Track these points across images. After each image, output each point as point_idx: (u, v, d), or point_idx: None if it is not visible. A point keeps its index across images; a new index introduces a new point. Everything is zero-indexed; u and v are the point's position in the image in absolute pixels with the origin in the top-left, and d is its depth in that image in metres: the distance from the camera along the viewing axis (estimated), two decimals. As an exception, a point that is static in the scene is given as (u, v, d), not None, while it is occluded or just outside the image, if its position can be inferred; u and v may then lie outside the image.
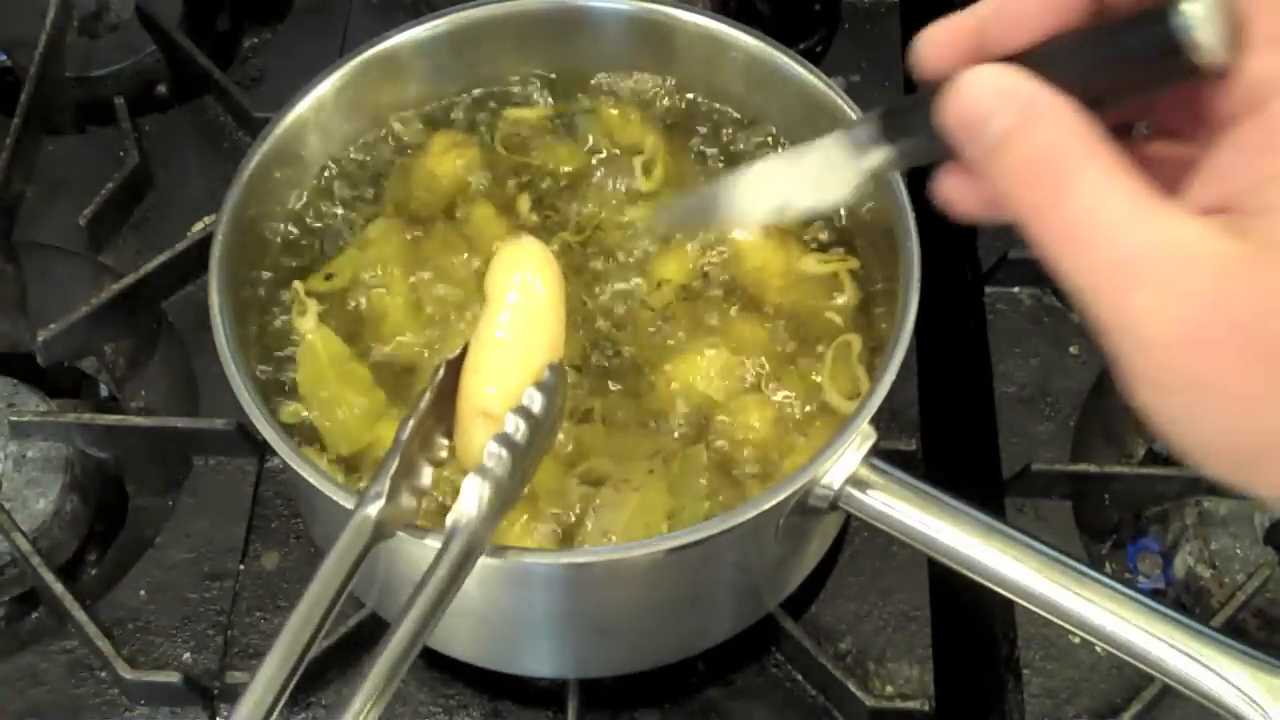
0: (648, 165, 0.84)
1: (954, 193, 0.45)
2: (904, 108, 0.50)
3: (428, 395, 0.63)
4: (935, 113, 0.44)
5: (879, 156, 0.50)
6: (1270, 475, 0.38)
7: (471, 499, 0.58)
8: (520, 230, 0.73)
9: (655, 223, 0.59)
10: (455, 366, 0.64)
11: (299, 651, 0.55)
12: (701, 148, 0.85)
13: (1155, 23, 0.38)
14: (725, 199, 0.58)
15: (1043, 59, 0.42)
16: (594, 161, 0.85)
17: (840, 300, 0.79)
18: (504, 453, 0.59)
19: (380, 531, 0.59)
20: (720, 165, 0.84)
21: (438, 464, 0.63)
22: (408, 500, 0.61)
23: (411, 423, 0.61)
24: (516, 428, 0.60)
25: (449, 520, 0.58)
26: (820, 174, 0.52)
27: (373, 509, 0.59)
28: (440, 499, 0.70)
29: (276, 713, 0.53)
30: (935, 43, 0.44)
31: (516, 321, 0.63)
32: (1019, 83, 0.41)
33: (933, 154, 0.48)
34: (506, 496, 0.60)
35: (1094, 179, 0.39)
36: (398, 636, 0.55)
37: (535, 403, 0.61)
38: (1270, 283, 0.36)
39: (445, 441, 0.64)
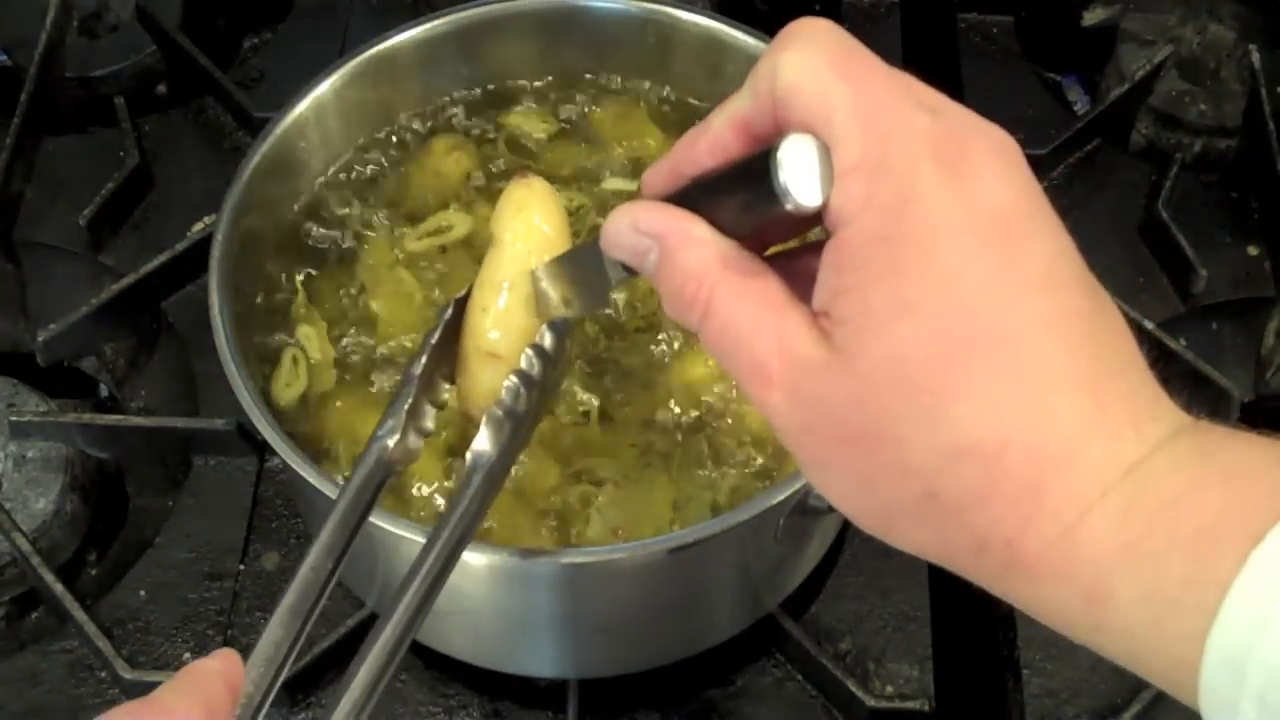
0: (648, 165, 0.84)
1: (671, 316, 0.49)
2: None
3: (436, 332, 0.63)
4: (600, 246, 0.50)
5: (622, 273, 0.51)
6: (899, 534, 0.44)
7: (492, 434, 0.58)
8: (527, 171, 0.74)
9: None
10: (461, 306, 0.64)
11: (319, 585, 0.54)
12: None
13: (758, 171, 0.43)
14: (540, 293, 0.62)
15: (702, 190, 0.47)
16: (593, 161, 0.86)
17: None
18: (522, 389, 0.58)
19: (391, 468, 0.59)
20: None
21: (440, 406, 0.63)
22: (414, 440, 0.60)
23: (422, 359, 0.61)
24: (531, 364, 0.59)
25: (469, 454, 0.58)
26: (587, 281, 0.56)
27: (390, 440, 0.59)
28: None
29: (295, 649, 0.52)
30: (651, 177, 0.51)
31: (522, 263, 0.63)
32: (650, 218, 0.47)
33: None
34: (522, 435, 0.59)
35: (727, 296, 0.45)
36: (425, 569, 0.54)
37: (547, 340, 0.60)
38: (845, 383, 0.42)
39: (448, 385, 0.64)
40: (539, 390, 0.59)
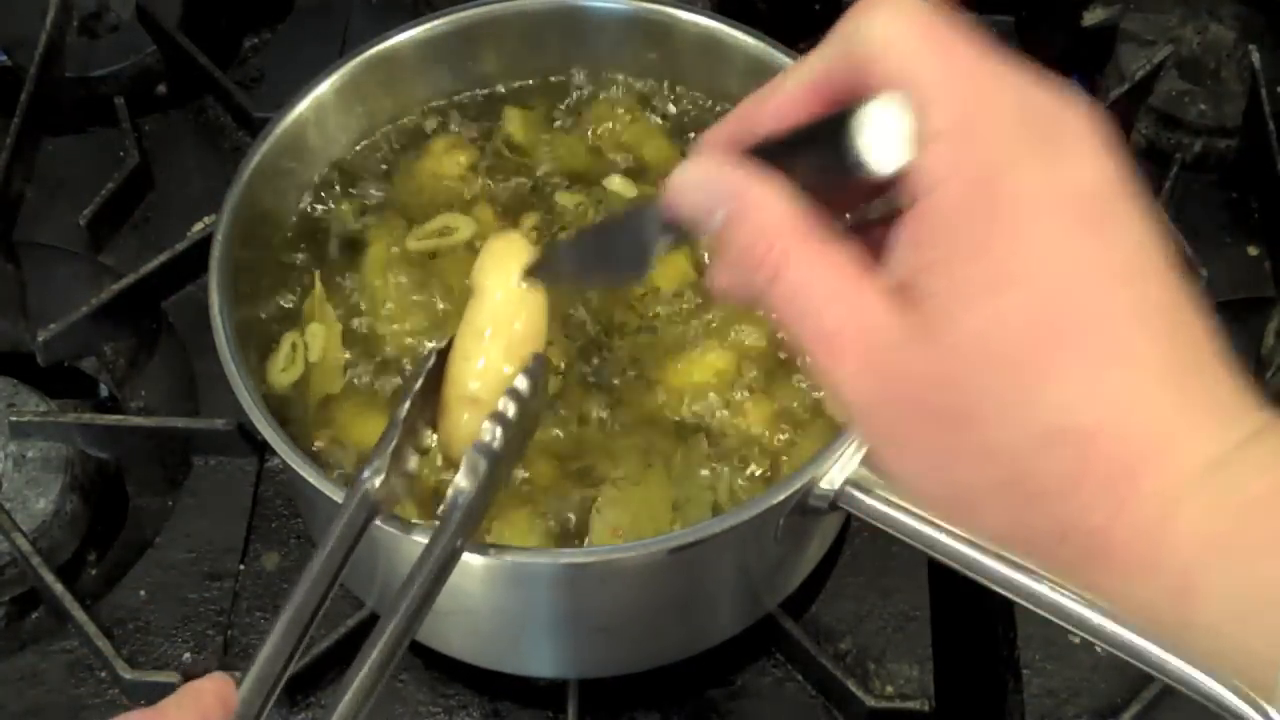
0: (647, 165, 0.85)
1: (721, 281, 0.47)
2: None
3: (420, 379, 0.64)
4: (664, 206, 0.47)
5: (669, 238, 0.49)
6: (972, 518, 0.43)
7: (470, 472, 0.60)
8: (507, 225, 0.75)
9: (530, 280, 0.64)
10: (443, 355, 0.66)
11: (305, 620, 0.56)
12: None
13: (837, 131, 0.41)
14: (556, 262, 0.62)
15: (773, 150, 0.45)
16: (593, 162, 0.85)
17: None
18: (498, 430, 0.61)
19: (376, 509, 0.61)
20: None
21: (423, 452, 0.65)
22: (398, 482, 0.62)
23: (407, 403, 0.63)
24: (507, 407, 0.62)
25: (449, 492, 0.60)
26: (625, 248, 0.53)
27: (375, 481, 0.61)
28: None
29: (285, 676, 0.54)
30: (713, 137, 0.48)
31: (502, 313, 0.65)
32: (727, 174, 0.44)
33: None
34: (499, 474, 0.62)
35: (801, 260, 0.42)
36: (401, 611, 0.56)
37: (523, 385, 0.63)
38: (930, 359, 0.40)
39: (430, 431, 0.66)
40: (516, 429, 0.62)
